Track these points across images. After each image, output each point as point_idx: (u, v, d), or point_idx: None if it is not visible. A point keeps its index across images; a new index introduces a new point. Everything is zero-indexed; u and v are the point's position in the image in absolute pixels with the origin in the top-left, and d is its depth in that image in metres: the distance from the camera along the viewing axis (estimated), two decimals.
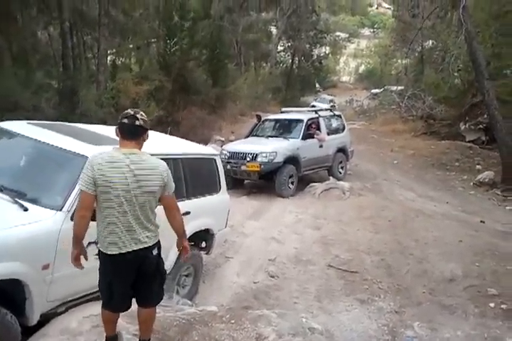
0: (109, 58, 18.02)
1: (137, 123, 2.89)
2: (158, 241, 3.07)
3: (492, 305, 5.40)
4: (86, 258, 3.06)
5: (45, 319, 3.51)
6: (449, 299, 5.55)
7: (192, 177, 4.94)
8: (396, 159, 14.84)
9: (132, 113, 2.93)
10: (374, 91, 32.17)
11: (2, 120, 4.65)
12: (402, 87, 25.18)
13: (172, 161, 4.64)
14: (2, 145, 4.22)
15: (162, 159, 4.13)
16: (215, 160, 5.50)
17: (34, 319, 3.34)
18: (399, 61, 30.40)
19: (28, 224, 3.24)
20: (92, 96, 12.15)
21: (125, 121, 2.90)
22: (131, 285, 3.03)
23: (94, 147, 3.88)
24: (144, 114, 3.01)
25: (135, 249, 2.91)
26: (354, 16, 62.48)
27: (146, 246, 2.95)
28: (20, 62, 13.02)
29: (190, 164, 4.93)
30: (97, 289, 3.88)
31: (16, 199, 3.40)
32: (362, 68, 55.08)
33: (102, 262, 3.03)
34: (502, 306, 5.36)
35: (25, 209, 3.34)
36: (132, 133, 2.90)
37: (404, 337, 4.82)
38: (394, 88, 26.31)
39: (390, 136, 17.83)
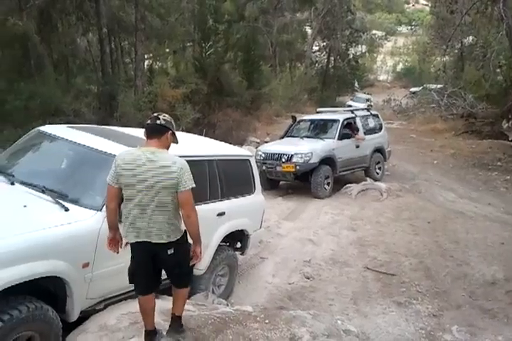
0: (146, 63, 18.43)
1: (158, 122, 3.11)
2: (178, 242, 3.17)
3: None
4: (120, 246, 3.30)
5: (85, 315, 3.62)
6: (489, 303, 5.42)
7: (227, 178, 4.99)
8: (436, 159, 14.50)
9: (156, 115, 3.18)
10: (413, 89, 31.52)
11: (44, 124, 4.84)
12: (442, 85, 24.58)
13: (207, 162, 4.74)
14: (43, 149, 4.37)
15: (196, 161, 4.24)
16: (249, 161, 5.53)
17: (74, 315, 3.45)
18: (438, 58, 29.68)
19: (69, 223, 3.35)
20: (130, 101, 12.44)
21: (148, 121, 3.15)
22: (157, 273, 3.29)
23: (129, 148, 3.99)
24: (168, 116, 3.21)
25: (147, 240, 3.10)
26: (391, 14, 61.48)
27: (158, 241, 3.10)
28: (61, 68, 13.49)
29: (224, 165, 4.98)
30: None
31: (58, 199, 3.53)
32: (400, 66, 54.19)
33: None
34: None
35: (66, 210, 3.46)
36: (153, 132, 3.11)
37: None
38: (433, 86, 25.70)
39: (429, 136, 17.44)
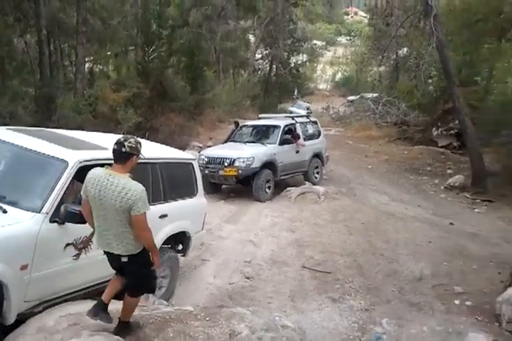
0: (86, 65, 17.99)
1: (123, 150, 3.27)
2: (134, 254, 3.39)
3: (457, 302, 5.69)
4: None
5: (23, 318, 3.60)
6: (417, 297, 5.81)
7: (169, 181, 5.08)
8: (370, 164, 15.17)
9: (122, 140, 3.31)
10: (350, 98, 32.61)
11: None
12: (377, 94, 25.71)
13: (150, 165, 4.81)
14: None
15: (139, 163, 4.31)
16: (192, 164, 5.65)
17: (11, 318, 3.44)
18: (374, 69, 30.99)
19: (7, 225, 3.34)
20: (69, 103, 12.17)
21: (114, 147, 3.30)
22: None
23: (73, 152, 4.02)
24: (133, 141, 3.34)
25: (108, 250, 3.44)
26: (331, 24, 63.36)
27: (115, 252, 3.40)
28: None
29: (167, 168, 5.08)
30: (74, 290, 4.03)
31: None
32: (339, 76, 55.81)
33: None
34: (466, 303, 5.65)
35: (4, 211, 3.45)
36: (117, 158, 3.32)
37: (373, 333, 5.03)
38: (369, 95, 26.82)
39: (364, 142, 18.18)
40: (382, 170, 14.74)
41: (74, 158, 3.88)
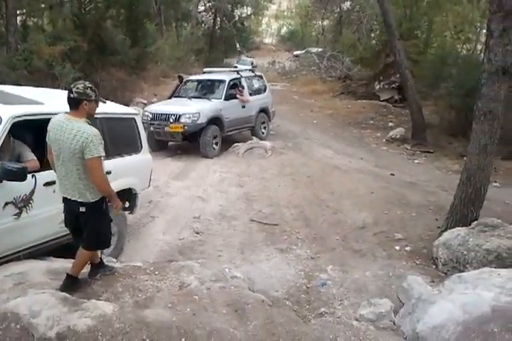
0: (19, 19, 16.68)
1: (71, 95, 3.37)
2: (91, 204, 3.45)
3: (398, 247, 5.99)
4: None
5: None
6: (359, 244, 6.07)
7: (112, 137, 4.91)
8: (316, 119, 15.34)
9: (71, 86, 3.41)
10: (296, 53, 32.40)
11: None
12: (322, 49, 25.66)
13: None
14: None
15: None
16: (135, 119, 5.49)
17: None
18: (319, 22, 30.74)
19: None
20: (2, 59, 11.35)
21: (70, 93, 3.37)
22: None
23: (7, 106, 3.82)
24: (82, 86, 3.39)
25: (66, 196, 3.50)
26: None
27: (72, 198, 3.46)
28: None
29: (109, 124, 4.90)
30: (17, 250, 3.93)
31: None
32: (284, 30, 55.00)
33: None
34: (406, 248, 5.96)
35: None
36: (69, 104, 3.41)
37: (319, 280, 5.25)
38: (315, 50, 26.73)
39: (310, 97, 18.30)
40: (327, 124, 14.96)
41: (7, 113, 3.67)
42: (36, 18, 18.26)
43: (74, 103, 3.37)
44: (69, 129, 3.30)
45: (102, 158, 3.36)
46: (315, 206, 7.34)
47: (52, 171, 4.04)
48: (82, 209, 3.46)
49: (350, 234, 6.43)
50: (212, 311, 3.24)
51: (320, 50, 25.57)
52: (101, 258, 3.95)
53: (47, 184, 4.05)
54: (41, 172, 4.02)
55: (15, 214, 3.78)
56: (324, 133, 13.76)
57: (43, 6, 17.91)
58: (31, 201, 3.90)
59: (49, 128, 3.43)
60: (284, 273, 5.41)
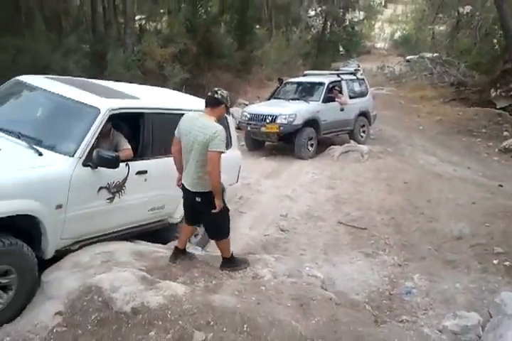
0: (140, 23, 18.10)
1: (215, 96, 3.80)
2: (205, 192, 3.76)
3: (495, 261, 5.50)
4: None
5: (60, 255, 3.84)
6: (453, 255, 5.68)
7: None
8: (422, 125, 14.64)
9: (216, 89, 3.89)
10: (409, 57, 31.29)
11: None
12: (438, 54, 24.45)
13: (181, 116, 4.86)
14: (21, 97, 4.49)
15: (169, 114, 4.43)
16: (226, 118, 5.65)
17: (49, 253, 3.67)
18: (436, 27, 29.33)
19: (42, 167, 3.51)
20: (119, 59, 12.36)
21: (208, 93, 3.87)
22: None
23: (105, 100, 4.13)
24: (226, 92, 3.88)
25: (186, 186, 3.84)
26: None
27: (191, 189, 3.80)
28: (53, 26, 13.27)
29: None
30: (108, 232, 4.24)
31: (32, 145, 3.68)
32: (397, 34, 53.29)
33: None
34: (505, 263, 5.44)
35: (40, 154, 3.61)
36: (208, 103, 3.81)
37: (403, 287, 5.02)
38: (429, 55, 25.55)
39: (417, 102, 17.52)
40: (433, 131, 14.21)
41: (105, 105, 3.98)
42: (155, 22, 19.60)
43: (214, 103, 3.78)
44: (201, 123, 3.68)
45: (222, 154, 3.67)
46: (408, 213, 7.01)
47: (145, 161, 4.35)
48: (198, 199, 3.79)
49: (444, 244, 6.04)
50: (276, 302, 3.24)
51: (435, 55, 24.39)
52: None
53: (139, 173, 4.30)
54: (134, 162, 4.28)
55: (108, 199, 4.06)
56: (430, 140, 13.08)
57: (161, 11, 19.19)
58: (124, 187, 4.15)
59: (181, 122, 3.83)
60: (367, 278, 5.25)
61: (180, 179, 4.01)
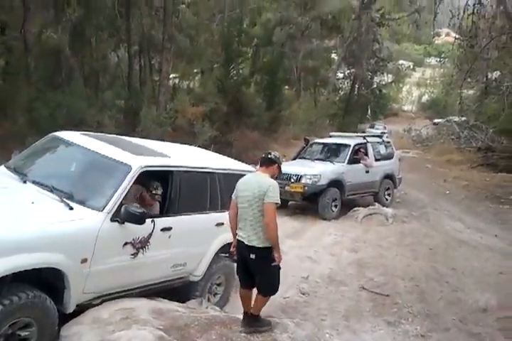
0: (174, 81, 19.04)
1: (269, 156, 4.23)
2: (260, 247, 3.92)
3: None
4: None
5: (82, 309, 3.87)
6: (478, 328, 5.47)
7: (227, 191, 5.22)
8: (448, 189, 14.52)
9: (269, 151, 4.35)
10: (436, 121, 31.63)
11: None
12: (465, 118, 24.63)
13: (209, 175, 5.02)
14: (57, 153, 4.73)
15: (199, 172, 4.58)
16: None
17: (71, 307, 3.71)
18: (464, 91, 29.76)
19: (72, 221, 3.64)
20: (151, 116, 12.93)
21: (263, 155, 4.29)
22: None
23: (137, 157, 4.32)
24: (278, 154, 4.31)
25: (242, 241, 4.01)
26: (419, 45, 61.85)
27: (248, 244, 3.95)
28: (91, 82, 14.08)
29: (226, 179, 5.22)
30: (130, 287, 4.27)
31: (64, 199, 3.83)
32: (425, 97, 54.19)
33: None
34: None
35: (71, 208, 3.75)
36: (263, 163, 4.23)
37: None
38: (456, 118, 25.77)
39: (444, 166, 17.47)
40: (460, 196, 14.05)
41: (137, 162, 4.16)
42: (188, 81, 20.54)
43: (269, 163, 4.18)
44: (256, 180, 4.03)
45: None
46: (433, 280, 6.82)
47: (169, 218, 4.45)
48: (252, 256, 3.94)
49: (469, 315, 5.82)
50: None
51: (464, 119, 24.59)
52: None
53: (164, 229, 4.38)
54: (160, 218, 4.38)
55: (132, 254, 4.12)
56: (456, 205, 12.92)
57: (195, 70, 20.17)
58: (148, 243, 4.23)
59: (238, 184, 4.17)
60: None
61: (235, 245, 4.20)
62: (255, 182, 4.01)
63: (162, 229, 4.37)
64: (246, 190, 4.01)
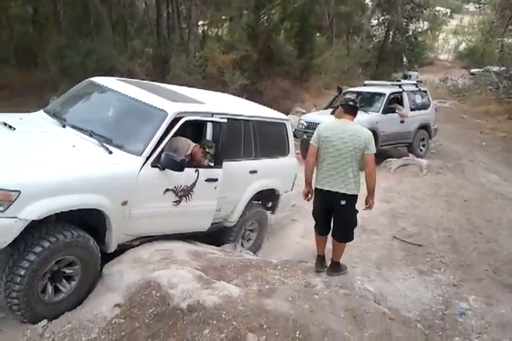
0: (200, 28, 18.56)
1: (356, 105, 4.25)
2: (352, 195, 4.10)
3: None
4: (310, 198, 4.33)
5: (122, 249, 4.01)
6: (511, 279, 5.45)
7: (261, 139, 5.21)
8: (485, 141, 14.12)
9: (353, 99, 4.40)
10: (473, 70, 30.28)
11: None
12: (505, 68, 23.48)
13: (243, 122, 4.96)
14: (94, 98, 4.73)
15: (232, 119, 4.52)
16: (285, 124, 5.71)
17: (112, 247, 3.85)
18: (505, 39, 28.16)
19: (112, 164, 3.69)
20: (181, 64, 12.74)
21: (350, 103, 4.24)
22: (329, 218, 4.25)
23: (172, 103, 4.29)
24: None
25: (330, 189, 4.06)
26: None
27: (338, 191, 4.03)
28: (119, 30, 13.88)
29: (260, 126, 5.20)
30: (170, 233, 4.35)
31: (103, 143, 3.87)
32: (462, 46, 51.69)
33: (314, 195, 4.28)
34: None
35: (110, 152, 3.79)
36: (351, 110, 4.20)
37: (458, 307, 4.85)
38: (495, 68, 24.59)
39: (481, 117, 16.90)
40: (497, 148, 13.66)
41: (173, 109, 4.12)
42: (217, 28, 20.03)
43: (355, 111, 4.21)
44: (353, 129, 4.01)
45: None
46: (467, 232, 6.75)
47: (217, 169, 4.47)
48: (343, 202, 4.05)
49: (503, 266, 5.78)
50: (329, 312, 3.23)
51: (501, 68, 23.45)
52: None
53: (209, 180, 4.40)
54: (205, 169, 4.39)
55: (174, 202, 4.16)
56: (492, 157, 12.58)
57: (223, 17, 19.60)
58: (191, 192, 4.26)
59: (322, 130, 4.10)
60: (420, 296, 5.10)
61: (308, 193, 4.28)
62: (353, 132, 3.97)
63: (207, 180, 4.38)
64: (340, 139, 3.96)
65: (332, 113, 4.44)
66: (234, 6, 19.83)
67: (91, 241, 3.59)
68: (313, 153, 4.15)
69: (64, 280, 3.50)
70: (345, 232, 4.28)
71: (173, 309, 3.16)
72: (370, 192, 4.16)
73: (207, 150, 4.51)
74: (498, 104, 18.64)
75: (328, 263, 4.47)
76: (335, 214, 4.18)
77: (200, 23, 18.60)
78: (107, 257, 3.89)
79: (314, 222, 4.44)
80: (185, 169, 4.01)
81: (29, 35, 13.13)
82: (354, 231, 4.34)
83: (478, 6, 53.74)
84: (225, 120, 4.48)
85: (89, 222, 3.71)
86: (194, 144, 4.41)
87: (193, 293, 3.24)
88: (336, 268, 4.34)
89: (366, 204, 4.31)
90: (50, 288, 3.40)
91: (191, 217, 4.43)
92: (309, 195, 4.29)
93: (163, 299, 3.25)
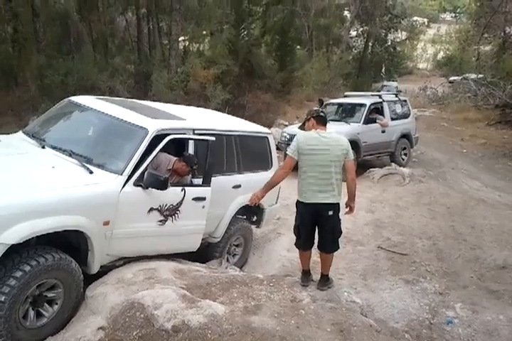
0: (183, 44, 18.62)
1: (324, 115, 4.29)
2: (336, 203, 4.10)
3: None
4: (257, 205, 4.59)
5: (105, 270, 3.96)
6: (497, 285, 5.50)
7: (244, 153, 5.23)
8: (465, 148, 14.34)
9: (322, 110, 4.42)
10: (452, 78, 30.76)
11: None
12: (482, 75, 23.94)
13: (225, 137, 4.98)
14: (73, 117, 4.70)
15: (215, 134, 4.52)
16: (267, 138, 5.74)
17: (95, 268, 3.80)
18: (481, 47, 28.75)
19: (93, 184, 3.65)
20: (163, 80, 12.77)
21: (321, 114, 4.29)
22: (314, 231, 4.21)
23: (152, 120, 4.29)
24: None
25: (316, 201, 4.02)
26: (434, 0, 59.51)
27: (324, 202, 4.02)
28: (100, 47, 13.89)
29: (242, 141, 5.23)
30: (155, 254, 4.31)
31: (84, 163, 3.84)
32: (441, 55, 52.63)
33: (296, 208, 4.25)
34: None
35: (91, 172, 3.76)
36: (323, 121, 4.24)
37: (445, 316, 4.88)
38: (473, 76, 25.06)
39: (461, 125, 17.16)
40: (477, 154, 13.89)
41: (153, 126, 4.12)
42: (198, 43, 20.10)
43: (326, 121, 4.28)
44: (332, 139, 4.04)
45: None
46: (451, 239, 6.82)
47: (204, 188, 4.41)
48: (331, 212, 4.06)
49: (487, 273, 5.85)
50: (316, 327, 3.23)
51: (480, 76, 23.91)
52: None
53: (197, 199, 4.35)
54: (191, 188, 4.34)
55: (159, 221, 4.11)
56: (474, 164, 12.79)
57: (204, 32, 19.70)
58: (177, 212, 4.20)
59: (300, 142, 4.03)
60: (407, 306, 5.13)
61: (260, 197, 4.20)
62: (333, 141, 4.01)
63: (194, 198, 4.33)
64: (322, 150, 3.96)
65: (301, 127, 4.36)
66: (214, 20, 19.98)
67: (73, 263, 3.53)
68: (291, 165, 4.10)
69: (46, 304, 3.43)
70: (333, 242, 4.27)
71: (157, 330, 3.12)
72: (352, 196, 4.20)
73: (194, 167, 4.45)
74: (477, 111, 18.97)
75: (314, 276, 4.44)
76: (321, 226, 4.15)
77: (181, 38, 18.69)
78: (90, 278, 3.84)
79: (296, 238, 4.35)
80: (171, 187, 3.99)
81: (9, 55, 13.05)
82: (338, 241, 4.34)
83: (454, 15, 55.10)
84: (213, 138, 4.44)
85: (71, 242, 3.66)
86: (175, 158, 4.40)
87: (178, 313, 3.21)
88: (326, 281, 4.34)
89: (346, 207, 4.31)
90: (31, 313, 3.32)
91: (179, 238, 4.37)
92: (258, 201, 4.29)
93: (147, 320, 3.21)
